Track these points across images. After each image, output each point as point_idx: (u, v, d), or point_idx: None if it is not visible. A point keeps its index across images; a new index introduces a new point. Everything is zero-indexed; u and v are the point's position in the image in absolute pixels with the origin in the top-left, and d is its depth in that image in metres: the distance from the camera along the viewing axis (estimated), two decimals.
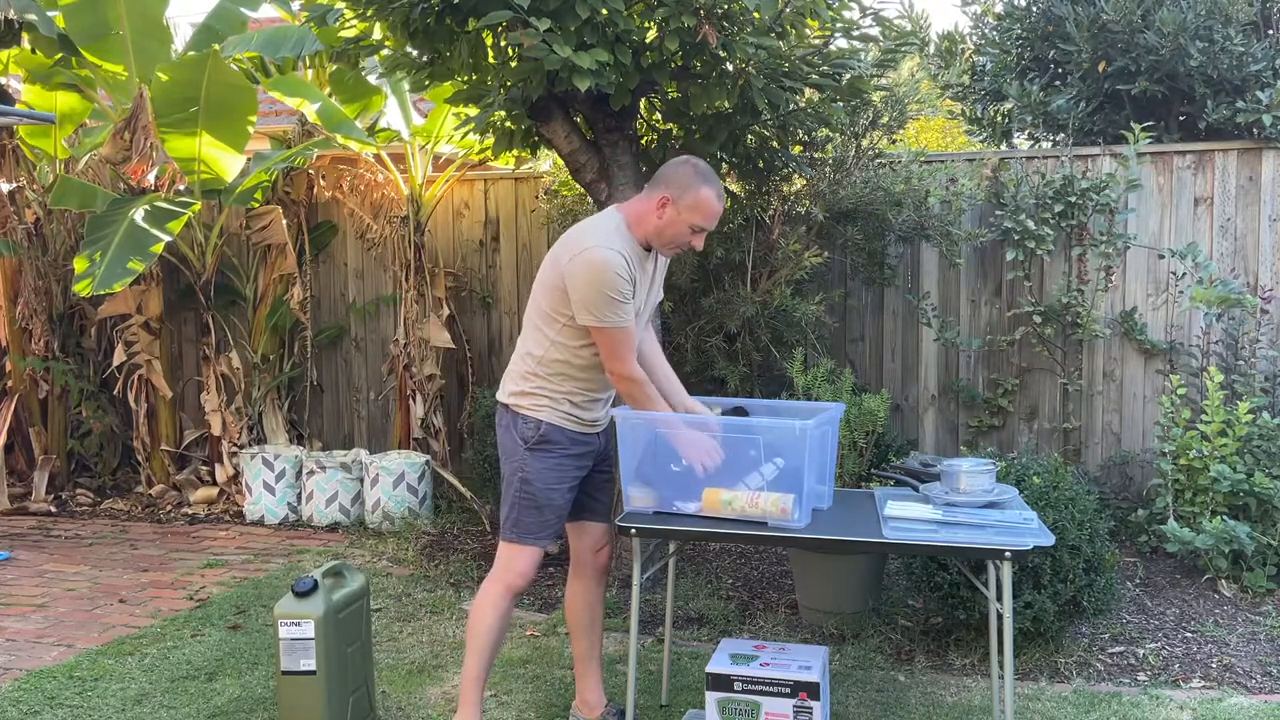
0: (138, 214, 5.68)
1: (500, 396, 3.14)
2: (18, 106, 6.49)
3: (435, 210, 6.41)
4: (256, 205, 6.51)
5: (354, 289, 6.76)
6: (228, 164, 6.10)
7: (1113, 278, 5.35)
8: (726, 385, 5.02)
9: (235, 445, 6.40)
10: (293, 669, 3.07)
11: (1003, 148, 6.31)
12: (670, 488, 3.09)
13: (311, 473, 5.98)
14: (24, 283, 6.60)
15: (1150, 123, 5.34)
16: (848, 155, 5.17)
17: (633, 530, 2.97)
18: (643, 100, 4.67)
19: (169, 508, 6.38)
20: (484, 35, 4.22)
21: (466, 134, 5.14)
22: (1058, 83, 6.05)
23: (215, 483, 6.51)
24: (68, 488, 6.75)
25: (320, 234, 6.72)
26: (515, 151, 4.77)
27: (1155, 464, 4.82)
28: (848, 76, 4.32)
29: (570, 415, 3.06)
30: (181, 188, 6.34)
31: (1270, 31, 5.45)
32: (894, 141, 5.28)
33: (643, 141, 4.77)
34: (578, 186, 5.16)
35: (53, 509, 6.40)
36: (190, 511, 6.31)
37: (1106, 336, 5.37)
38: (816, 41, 4.30)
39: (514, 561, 3.09)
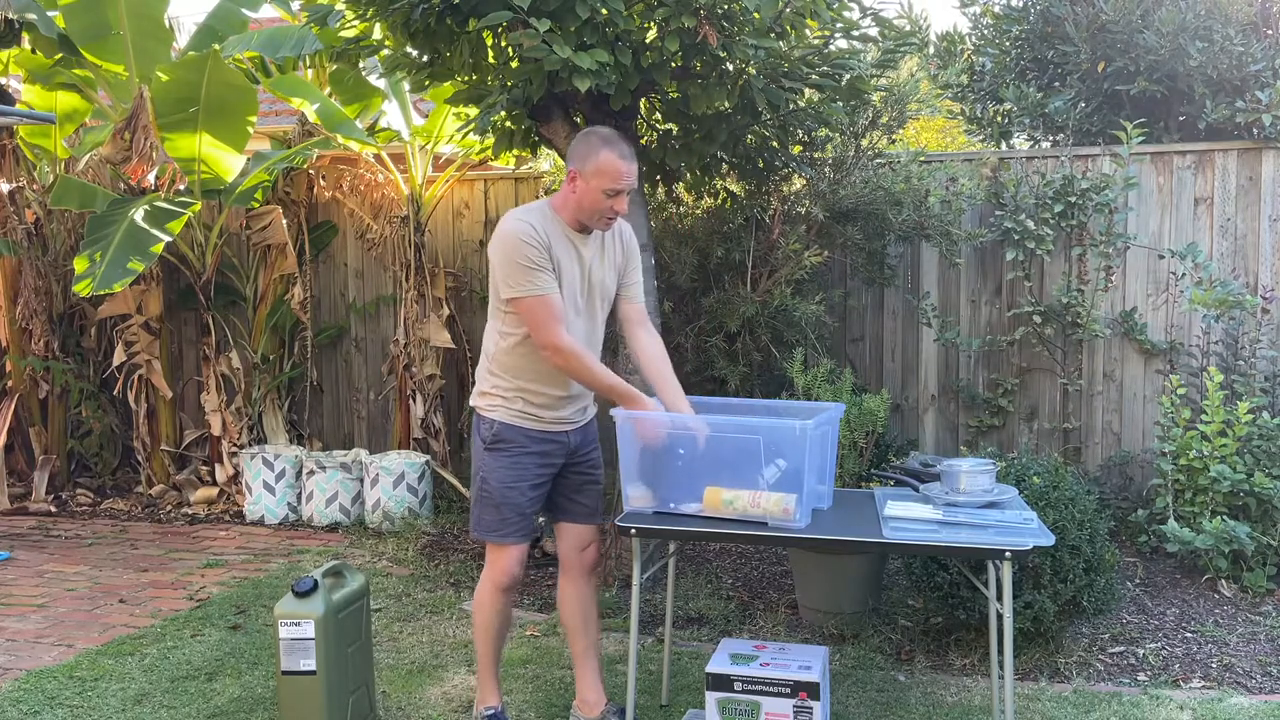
0: (138, 214, 5.68)
1: (470, 400, 3.21)
2: (18, 106, 6.50)
3: (435, 210, 6.42)
4: (256, 205, 6.51)
5: (354, 289, 6.76)
6: (228, 164, 6.11)
7: (1113, 278, 5.35)
8: (727, 385, 5.02)
9: (235, 445, 6.40)
10: (293, 669, 3.07)
11: (1002, 148, 6.32)
12: (670, 487, 3.10)
13: (311, 473, 5.98)
14: (24, 283, 6.60)
15: (1144, 120, 5.34)
16: (847, 155, 5.17)
17: (633, 530, 2.97)
18: (643, 100, 4.67)
19: (169, 508, 6.38)
20: (484, 35, 4.22)
21: (467, 134, 5.14)
22: (1057, 83, 6.05)
23: (215, 483, 6.51)
24: (68, 488, 6.75)
25: (320, 234, 6.72)
26: (515, 151, 4.77)
27: (1155, 464, 4.82)
28: (848, 77, 4.32)
29: (526, 413, 3.07)
30: (181, 188, 6.34)
31: (1270, 31, 5.44)
32: (893, 141, 5.28)
33: (643, 141, 4.77)
34: None
35: (53, 509, 6.40)
36: (190, 511, 6.31)
37: (1106, 336, 5.37)
38: (816, 42, 4.30)
39: (495, 559, 3.15)
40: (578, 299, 3.05)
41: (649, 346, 3.24)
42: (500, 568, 3.13)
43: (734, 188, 5.30)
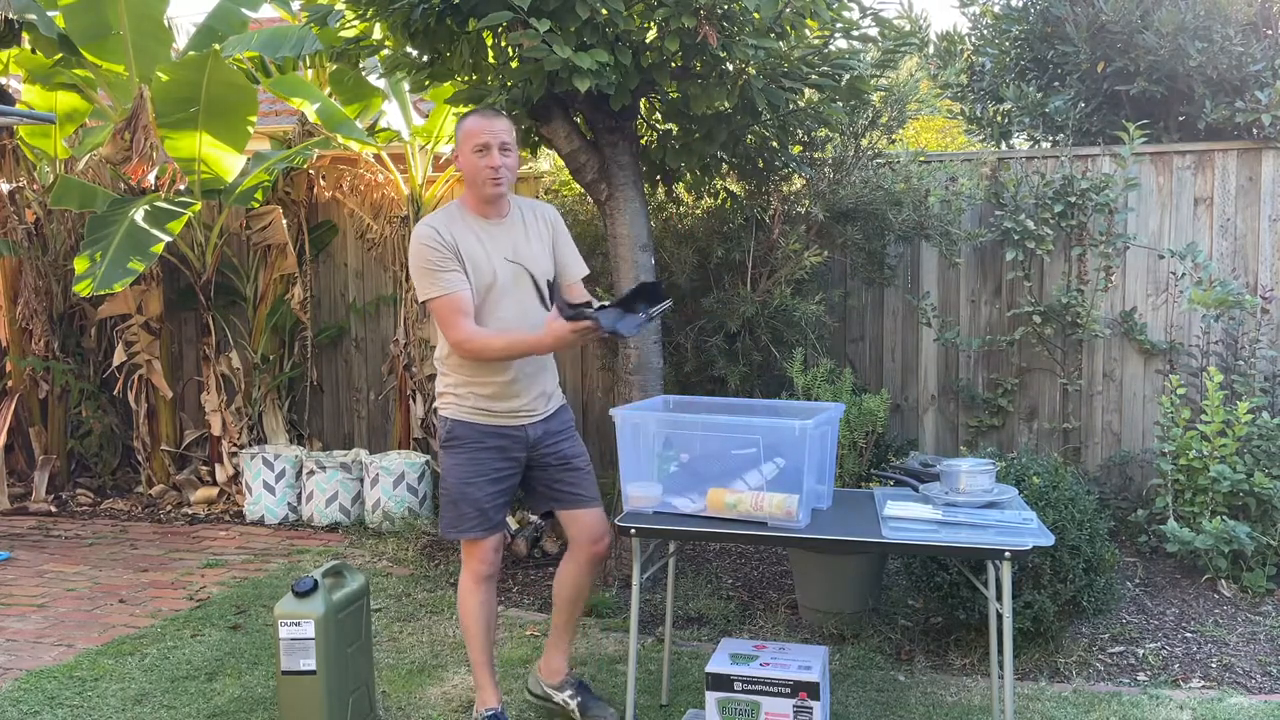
0: (138, 214, 5.68)
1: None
2: (18, 106, 6.50)
3: (435, 210, 6.41)
4: (256, 205, 6.51)
5: (354, 289, 6.76)
6: (228, 164, 6.11)
7: (1113, 278, 5.35)
8: (727, 385, 5.02)
9: (235, 445, 6.40)
10: (293, 669, 3.07)
11: (1002, 148, 6.32)
12: (670, 485, 3.10)
13: (311, 473, 5.98)
14: (24, 283, 6.60)
15: (1144, 120, 5.34)
16: (847, 155, 5.17)
17: (633, 530, 2.98)
18: (643, 100, 4.67)
19: (169, 508, 6.38)
20: (484, 36, 4.22)
21: None
22: (1057, 83, 6.05)
23: (215, 483, 6.51)
24: (68, 488, 6.75)
25: (320, 234, 6.72)
26: None
27: (1155, 464, 4.82)
28: (848, 77, 4.32)
29: (479, 409, 3.12)
30: (182, 188, 6.34)
31: (1269, 31, 5.45)
32: (893, 141, 5.28)
33: (643, 141, 4.77)
34: (578, 186, 5.16)
35: (53, 509, 6.40)
36: (190, 511, 6.31)
37: (1106, 336, 5.37)
38: (816, 42, 4.30)
39: (468, 553, 3.22)
40: (501, 282, 3.08)
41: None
42: (475, 557, 3.19)
43: (734, 188, 5.30)
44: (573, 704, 3.31)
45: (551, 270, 3.21)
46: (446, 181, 6.37)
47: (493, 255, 3.08)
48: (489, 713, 3.22)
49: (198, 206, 6.03)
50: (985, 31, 6.40)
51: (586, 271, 3.34)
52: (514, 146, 3.08)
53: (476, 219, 3.11)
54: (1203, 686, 3.59)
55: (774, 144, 4.82)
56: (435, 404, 3.22)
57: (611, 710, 3.32)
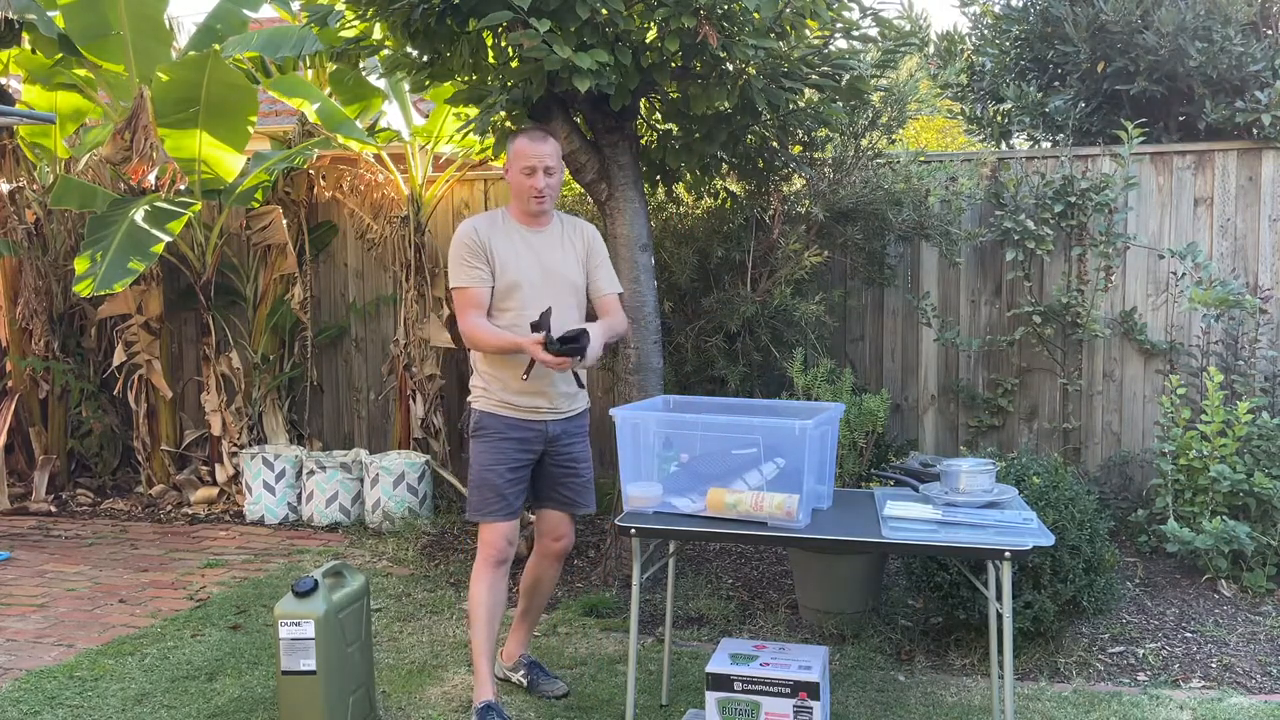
0: (138, 214, 5.68)
1: None
2: (18, 106, 6.50)
3: (435, 210, 6.42)
4: (257, 205, 6.51)
5: (354, 289, 6.76)
6: (228, 164, 6.11)
7: (1113, 278, 5.35)
8: (727, 385, 5.02)
9: (235, 445, 6.40)
10: (293, 669, 3.07)
11: (1002, 147, 6.32)
12: (670, 485, 3.10)
13: (311, 473, 5.98)
14: (24, 283, 6.60)
15: (1144, 120, 5.33)
16: (847, 155, 5.17)
17: (633, 530, 2.98)
18: (643, 100, 4.67)
19: (169, 508, 6.38)
20: (484, 35, 4.22)
21: (467, 134, 5.14)
22: (1057, 83, 6.05)
23: (215, 483, 6.51)
24: (68, 488, 6.75)
25: (320, 234, 6.72)
26: None
27: (1155, 464, 4.82)
28: (848, 77, 4.32)
29: (504, 402, 3.34)
30: (182, 188, 6.34)
31: (1269, 31, 5.45)
32: (893, 141, 5.28)
33: (643, 141, 4.77)
34: (578, 186, 5.16)
35: (53, 509, 6.40)
36: (190, 511, 6.31)
37: (1106, 336, 5.37)
38: (816, 42, 4.30)
39: (483, 537, 3.37)
40: (525, 284, 3.30)
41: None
42: (486, 542, 3.34)
43: (734, 188, 5.30)
44: (524, 682, 3.59)
45: (581, 281, 3.42)
46: (447, 181, 6.37)
47: (522, 258, 3.32)
48: (482, 705, 3.25)
49: (198, 206, 6.03)
50: (985, 31, 6.41)
51: (618, 290, 3.50)
52: (559, 168, 3.33)
53: (517, 226, 3.37)
54: (1203, 686, 3.59)
55: (774, 144, 4.82)
56: (469, 396, 3.46)
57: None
